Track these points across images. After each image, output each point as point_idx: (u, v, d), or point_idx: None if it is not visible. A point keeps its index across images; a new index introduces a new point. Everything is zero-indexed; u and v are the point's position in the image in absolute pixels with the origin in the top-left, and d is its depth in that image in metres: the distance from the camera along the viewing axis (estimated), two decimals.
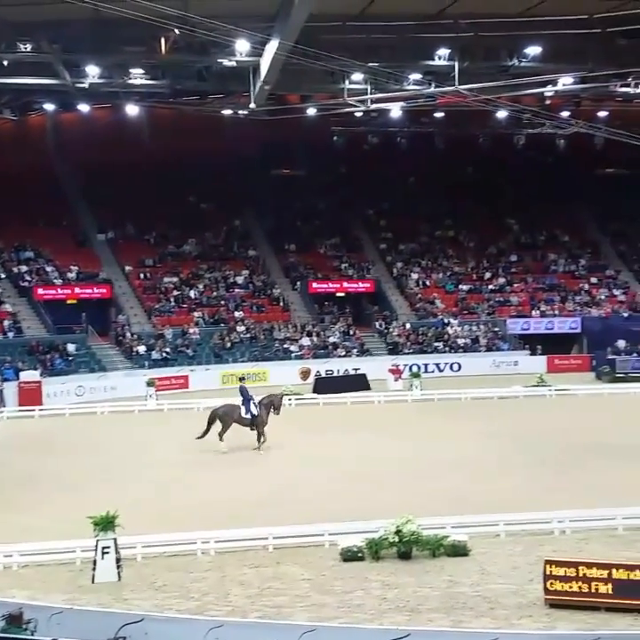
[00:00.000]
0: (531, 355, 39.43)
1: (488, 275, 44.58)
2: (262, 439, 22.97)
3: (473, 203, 45.74)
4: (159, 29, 23.58)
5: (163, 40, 25.91)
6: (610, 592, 12.46)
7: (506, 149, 40.03)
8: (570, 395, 31.90)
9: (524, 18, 25.76)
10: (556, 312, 42.26)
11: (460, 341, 39.85)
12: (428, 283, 43.82)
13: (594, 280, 44.59)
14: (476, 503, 16.94)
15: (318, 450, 22.90)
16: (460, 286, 43.73)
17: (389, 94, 28.51)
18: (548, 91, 29.83)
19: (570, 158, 42.65)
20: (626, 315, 41.83)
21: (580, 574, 12.63)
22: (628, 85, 28.39)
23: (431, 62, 27.18)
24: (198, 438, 22.76)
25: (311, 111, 32.40)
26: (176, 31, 24.12)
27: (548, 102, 33.93)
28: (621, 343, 36.45)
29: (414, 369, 35.93)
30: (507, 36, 26.43)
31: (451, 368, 38.11)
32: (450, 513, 16.22)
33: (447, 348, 39.50)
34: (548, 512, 16.17)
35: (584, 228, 48.25)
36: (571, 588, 12.58)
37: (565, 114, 34.82)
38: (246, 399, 23.08)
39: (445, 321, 40.99)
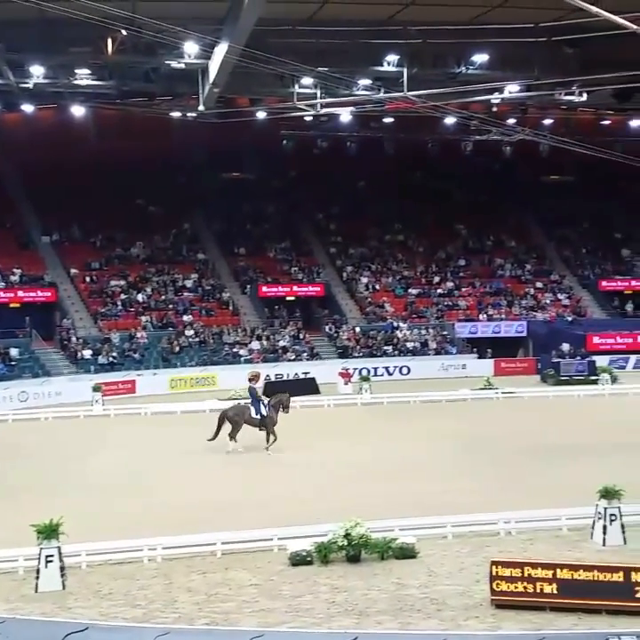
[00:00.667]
0: (478, 358, 39.93)
1: (437, 279, 45.05)
2: (272, 439, 23.03)
3: (422, 207, 46.20)
4: (106, 30, 23.29)
5: (109, 41, 25.58)
6: (554, 592, 12.64)
7: (454, 155, 40.54)
8: (516, 397, 32.39)
9: (471, 26, 26.13)
10: (503, 316, 42.90)
11: (410, 345, 40.15)
12: (377, 287, 44.09)
13: (539, 285, 45.38)
14: (424, 505, 17.04)
15: (269, 455, 22.84)
16: (410, 290, 44.10)
17: (339, 99, 28.60)
18: (495, 98, 30.28)
19: (516, 165, 43.40)
20: (570, 319, 42.68)
21: (526, 574, 12.78)
22: (572, 94, 28.93)
23: (380, 68, 27.37)
24: (210, 440, 22.76)
25: (261, 115, 32.34)
26: (123, 32, 23.85)
27: (495, 109, 34.41)
28: (565, 347, 37.13)
29: (364, 372, 36.22)
30: (455, 44, 26.76)
31: (400, 371, 38.36)
32: (400, 515, 16.29)
33: (396, 352, 39.77)
34: (495, 513, 16.35)
35: (530, 233, 49.11)
36: (516, 588, 12.73)
37: (512, 121, 35.39)
38: (255, 400, 23.31)
39: (395, 325, 41.28)
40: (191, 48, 24.80)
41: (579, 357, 36.76)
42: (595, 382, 34.72)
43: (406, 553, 14.92)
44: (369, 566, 14.59)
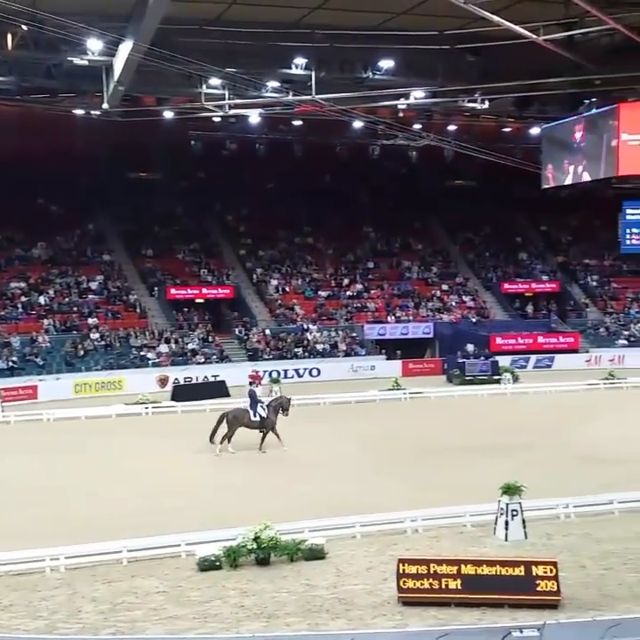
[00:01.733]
0: (387, 359, 40.48)
1: (346, 281, 45.45)
2: (272, 438, 23.25)
3: (331, 210, 46.54)
4: (5, 25, 22.48)
5: (9, 36, 24.69)
6: (459, 587, 12.94)
7: (362, 159, 40.95)
8: (423, 397, 33.02)
9: (377, 31, 26.44)
10: (411, 318, 43.66)
11: (319, 347, 40.36)
12: (287, 289, 44.14)
13: (445, 287, 46.40)
14: (335, 506, 17.18)
15: (179, 458, 22.53)
16: (319, 292, 44.35)
17: (247, 100, 28.45)
18: (401, 104, 30.71)
19: (422, 169, 44.19)
20: (474, 320, 43.82)
21: (431, 571, 13.04)
22: (474, 101, 29.65)
23: (289, 71, 27.34)
24: (211, 439, 23.13)
25: (168, 114, 31.85)
26: (23, 27, 23.08)
27: (401, 115, 34.94)
28: (470, 347, 38.08)
29: (274, 375, 36.14)
30: (361, 49, 27.01)
31: (310, 373, 38.50)
32: (311, 516, 16.35)
33: (306, 354, 39.90)
34: (402, 512, 16.61)
35: (436, 236, 50.18)
36: (422, 585, 12.97)
37: (418, 126, 36.01)
38: (254, 402, 23.49)
39: (305, 327, 41.41)
40: (95, 45, 24.16)
41: (482, 358, 37.76)
42: (498, 382, 35.79)
43: (315, 554, 15.00)
44: (278, 569, 14.60)
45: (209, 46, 25.74)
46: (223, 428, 23.24)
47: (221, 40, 25.89)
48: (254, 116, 32.80)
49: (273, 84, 27.12)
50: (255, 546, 14.72)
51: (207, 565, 14.56)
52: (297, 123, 36.49)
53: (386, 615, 12.56)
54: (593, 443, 23.35)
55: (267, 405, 23.66)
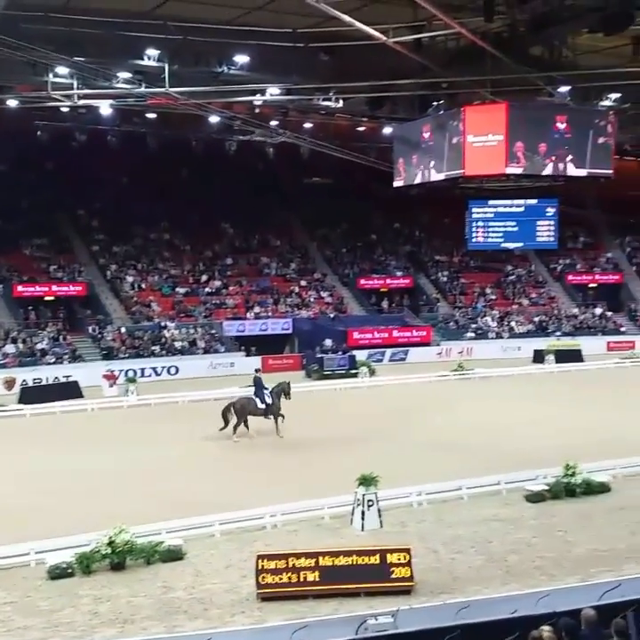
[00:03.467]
0: (246, 356, 40.41)
1: (204, 278, 45.00)
2: (280, 422, 24.34)
3: (188, 206, 45.88)
4: None
5: None
6: (317, 579, 13.11)
7: (220, 154, 40.63)
8: None
9: (232, 26, 26.24)
10: (270, 314, 43.82)
11: (178, 344, 39.74)
12: (143, 286, 43.17)
13: (303, 283, 46.87)
14: (194, 504, 16.94)
15: (26, 465, 21.50)
16: (177, 289, 43.67)
17: (97, 91, 27.51)
18: (257, 100, 30.66)
19: (280, 166, 44.44)
20: (332, 316, 44.54)
21: (290, 565, 13.14)
22: (329, 100, 29.99)
23: (140, 62, 26.64)
24: (221, 429, 23.92)
25: (12, 103, 30.31)
26: None
27: (257, 111, 34.91)
28: (328, 342, 38.68)
29: (130, 374, 35.27)
30: (216, 43, 26.69)
31: (168, 371, 37.84)
32: (171, 517, 16.05)
33: (164, 352, 39.19)
34: (261, 508, 16.62)
35: (294, 233, 50.57)
36: (281, 579, 13.04)
37: (274, 123, 36.09)
38: (260, 389, 24.34)
39: (162, 324, 40.65)
40: None
41: (340, 352, 38.46)
42: (355, 375, 36.55)
43: (173, 555, 14.76)
44: (134, 572, 14.25)
45: (55, 34, 24.66)
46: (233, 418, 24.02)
47: (68, 28, 24.88)
48: (105, 108, 31.77)
49: (124, 74, 26.36)
50: (110, 550, 14.30)
51: (58, 573, 13.99)
52: (151, 115, 35.66)
53: (245, 612, 12.54)
54: (444, 431, 24.31)
55: (270, 392, 24.52)
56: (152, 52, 26.05)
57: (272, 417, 24.45)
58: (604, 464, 19.17)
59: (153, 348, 39.07)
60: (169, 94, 26.64)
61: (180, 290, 43.68)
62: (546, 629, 8.02)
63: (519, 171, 25.97)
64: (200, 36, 26.23)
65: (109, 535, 14.35)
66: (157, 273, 44.24)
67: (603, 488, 18.06)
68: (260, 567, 13.10)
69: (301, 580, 13.07)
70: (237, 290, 44.96)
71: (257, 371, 26.56)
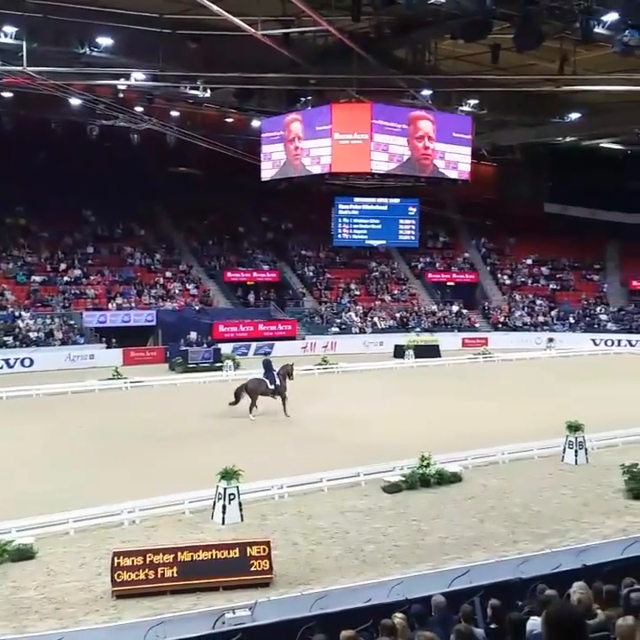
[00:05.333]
0: (107, 348, 39.31)
1: (63, 266, 43.38)
2: (286, 403, 25.66)
3: (47, 191, 43.97)
4: None
5: None
6: (175, 575, 12.91)
7: (81, 138, 39.17)
8: (145, 386, 32.53)
9: (96, 7, 25.39)
10: (133, 305, 42.79)
11: (33, 335, 38.10)
12: None
13: (168, 274, 46.09)
14: (48, 501, 16.29)
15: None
16: (33, 277, 41.88)
17: None
18: (121, 84, 29.86)
19: (145, 154, 43.36)
20: (197, 308, 44.05)
21: (148, 562, 12.87)
22: (196, 89, 29.64)
23: None
24: (231, 404, 25.21)
25: None
26: None
27: (121, 96, 33.96)
28: (193, 335, 38.20)
29: None
30: (78, 23, 25.77)
31: (22, 364, 36.23)
32: (19, 515, 15.36)
33: (18, 343, 37.49)
34: (118, 504, 16.20)
35: (159, 223, 49.59)
36: (138, 576, 12.76)
37: (139, 109, 35.22)
38: (270, 371, 25.76)
39: (16, 314, 38.86)
40: None
41: (205, 345, 38.08)
42: (220, 368, 36.29)
43: (23, 554, 14.15)
44: None
45: None
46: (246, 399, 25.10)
47: None
48: None
49: None
50: None
51: None
52: (7, 94, 33.97)
53: (99, 611, 12.19)
54: (308, 424, 24.60)
55: (277, 373, 25.78)
56: (9, 28, 24.87)
57: (279, 397, 25.67)
58: (455, 455, 19.95)
59: (5, 338, 37.27)
60: (26, 73, 25.47)
61: (37, 278, 41.92)
62: (398, 616, 8.25)
63: (383, 169, 26.64)
64: (61, 15, 25.27)
65: None
66: (12, 260, 42.26)
67: (455, 478, 18.80)
68: (115, 564, 12.77)
69: (159, 576, 12.84)
70: (99, 279, 43.63)
71: (266, 354, 27.25)
